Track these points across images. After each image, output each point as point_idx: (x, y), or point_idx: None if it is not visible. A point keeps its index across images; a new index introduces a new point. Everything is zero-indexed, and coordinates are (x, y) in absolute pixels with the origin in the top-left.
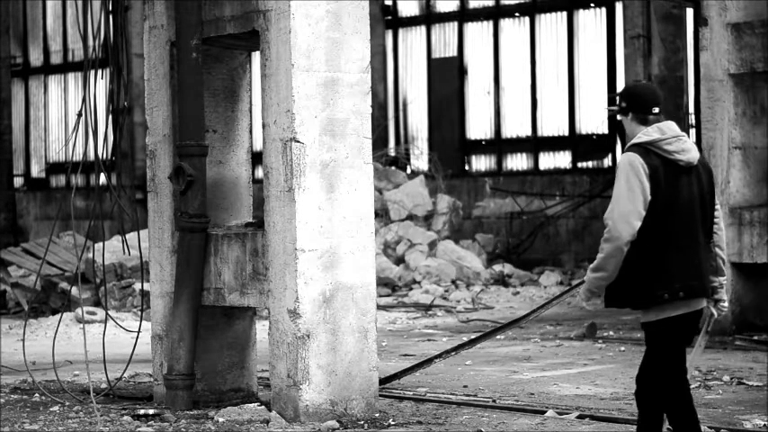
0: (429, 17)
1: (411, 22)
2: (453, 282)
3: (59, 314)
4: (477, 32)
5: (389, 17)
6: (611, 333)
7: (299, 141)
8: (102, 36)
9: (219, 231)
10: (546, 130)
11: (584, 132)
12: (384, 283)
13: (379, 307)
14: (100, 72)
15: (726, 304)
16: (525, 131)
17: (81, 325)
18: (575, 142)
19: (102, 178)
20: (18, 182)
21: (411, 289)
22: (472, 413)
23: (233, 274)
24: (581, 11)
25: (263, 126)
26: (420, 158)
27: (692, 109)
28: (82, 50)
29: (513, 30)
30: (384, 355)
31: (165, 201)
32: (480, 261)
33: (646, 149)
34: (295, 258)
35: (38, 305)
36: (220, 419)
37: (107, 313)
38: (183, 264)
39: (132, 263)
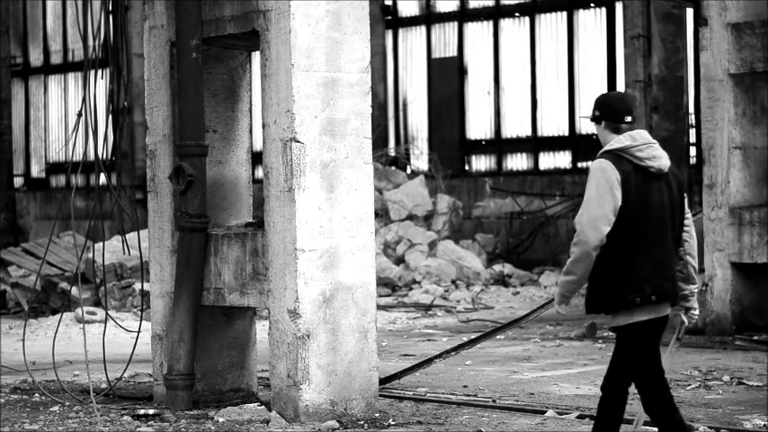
0: (429, 17)
1: (411, 22)
2: (453, 282)
3: (59, 314)
4: (477, 32)
5: (389, 17)
6: (611, 333)
7: (298, 141)
8: (102, 36)
9: (219, 231)
10: (546, 130)
11: (584, 132)
12: (384, 283)
13: (379, 307)
14: (100, 72)
15: (697, 312)
16: (525, 131)
17: (81, 325)
18: (575, 142)
19: (102, 178)
20: (18, 182)
21: (411, 289)
22: (472, 413)
23: (233, 274)
24: (581, 11)
25: (263, 126)
26: (420, 158)
27: (692, 109)
28: (82, 50)
29: (513, 30)
30: (384, 355)
31: (165, 201)
32: (480, 261)
33: (617, 156)
34: (295, 258)
35: (38, 305)
36: (220, 419)
37: (107, 313)
38: (183, 264)
39: (132, 263)
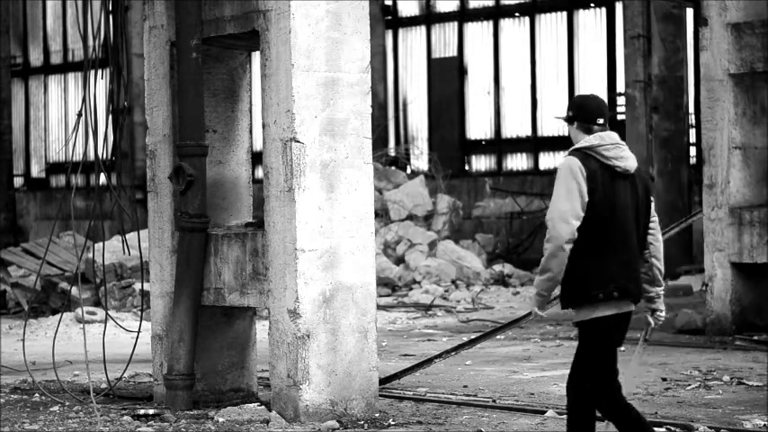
0: (429, 17)
1: (411, 22)
2: (453, 282)
3: (59, 314)
4: (477, 32)
5: (389, 17)
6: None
7: (298, 141)
8: (102, 36)
9: (219, 231)
10: (546, 130)
11: None
12: (384, 283)
13: (379, 307)
14: (100, 72)
15: (663, 313)
16: (525, 131)
17: (81, 325)
18: None
19: (102, 178)
20: (18, 182)
21: (411, 289)
22: (472, 413)
23: (233, 274)
24: (581, 11)
25: (263, 126)
26: (420, 158)
27: (692, 109)
28: (82, 50)
29: (513, 30)
30: (384, 355)
31: (165, 201)
32: (480, 261)
33: (585, 154)
34: (295, 258)
35: (38, 305)
36: (220, 419)
37: (107, 313)
38: (183, 264)
39: (132, 263)
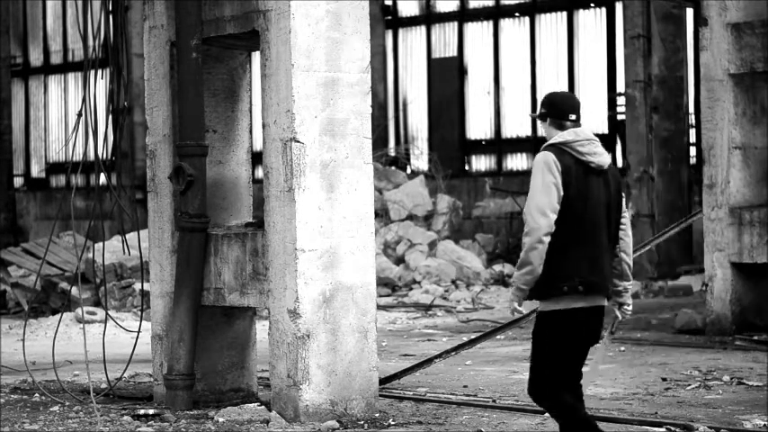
0: (429, 17)
1: (411, 22)
2: (453, 282)
3: (59, 314)
4: (477, 32)
5: (389, 17)
6: (611, 332)
7: (298, 141)
8: (102, 36)
9: (219, 231)
10: None
11: None
12: (384, 283)
13: (379, 307)
14: (100, 72)
15: (630, 308)
16: (525, 131)
17: (81, 325)
18: None
19: (102, 178)
20: (18, 182)
21: (411, 289)
22: (472, 413)
23: (233, 274)
24: (581, 11)
25: (263, 126)
26: (420, 158)
27: (692, 109)
28: (82, 50)
29: (513, 30)
30: (384, 355)
31: (165, 201)
32: (480, 261)
33: (560, 149)
34: (295, 258)
35: (38, 305)
36: (220, 419)
37: (107, 313)
38: (183, 264)
39: (132, 263)
